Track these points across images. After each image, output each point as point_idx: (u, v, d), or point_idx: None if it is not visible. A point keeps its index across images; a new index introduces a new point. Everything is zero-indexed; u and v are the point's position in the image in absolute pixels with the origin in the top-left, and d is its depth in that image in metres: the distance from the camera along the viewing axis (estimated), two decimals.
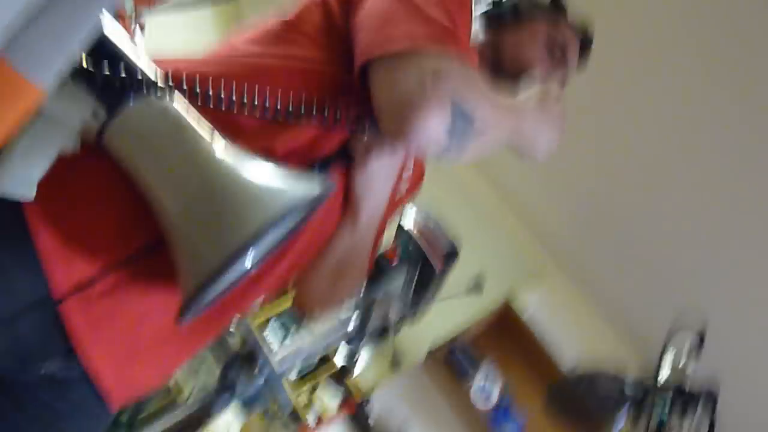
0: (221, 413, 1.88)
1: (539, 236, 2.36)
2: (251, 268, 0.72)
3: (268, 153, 0.73)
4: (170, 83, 0.65)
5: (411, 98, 0.68)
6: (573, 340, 2.07)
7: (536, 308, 2.14)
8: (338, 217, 0.89)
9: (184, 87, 0.66)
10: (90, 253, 0.68)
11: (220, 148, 0.64)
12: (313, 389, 2.48)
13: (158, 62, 0.67)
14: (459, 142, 0.72)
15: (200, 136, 0.64)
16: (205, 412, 1.86)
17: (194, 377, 1.99)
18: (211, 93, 0.66)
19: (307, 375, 2.55)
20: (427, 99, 0.68)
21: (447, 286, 1.87)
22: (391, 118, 0.71)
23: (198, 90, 0.66)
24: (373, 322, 1.89)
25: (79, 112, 0.62)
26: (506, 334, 2.12)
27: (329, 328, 1.90)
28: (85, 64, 0.61)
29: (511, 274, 2.33)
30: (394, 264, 1.75)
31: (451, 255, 1.77)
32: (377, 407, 2.01)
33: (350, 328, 1.89)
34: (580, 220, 2.23)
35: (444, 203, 1.80)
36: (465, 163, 0.79)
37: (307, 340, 1.97)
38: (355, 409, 1.99)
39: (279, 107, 0.71)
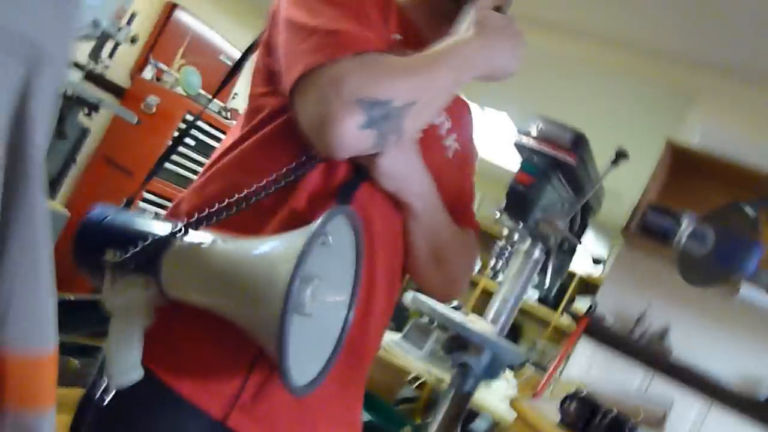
0: (476, 390, 1.99)
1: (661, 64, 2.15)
2: (348, 312, 0.78)
3: (296, 212, 0.80)
4: (182, 227, 0.74)
5: (318, 117, 0.72)
6: (757, 141, 1.85)
7: (704, 131, 1.95)
8: (399, 228, 0.91)
9: (193, 220, 0.75)
10: (226, 372, 0.80)
11: (232, 246, 0.71)
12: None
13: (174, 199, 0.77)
14: (389, 127, 0.74)
15: (220, 251, 0.72)
16: (463, 397, 1.98)
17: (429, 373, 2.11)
18: (217, 208, 0.76)
19: None
20: (331, 111, 0.71)
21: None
22: (315, 142, 0.74)
23: (207, 214, 0.76)
24: (552, 243, 1.87)
25: (137, 293, 0.74)
26: (686, 172, 1.95)
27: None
28: (115, 258, 0.73)
29: (656, 117, 2.14)
30: (531, 183, 1.72)
31: (577, 141, 1.70)
32: (608, 309, 1.97)
33: (534, 259, 1.89)
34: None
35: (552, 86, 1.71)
36: (417, 131, 0.76)
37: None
38: (587, 322, 1.97)
39: (276, 177, 0.78)
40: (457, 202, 1.03)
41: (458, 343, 1.73)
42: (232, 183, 0.81)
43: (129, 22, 2.56)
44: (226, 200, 0.76)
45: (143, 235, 0.74)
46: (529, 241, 1.91)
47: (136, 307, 0.74)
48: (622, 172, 1.97)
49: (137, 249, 0.73)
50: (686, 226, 1.94)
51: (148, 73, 3.32)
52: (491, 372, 1.89)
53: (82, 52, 2.64)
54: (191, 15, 3.54)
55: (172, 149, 1.11)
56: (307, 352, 0.72)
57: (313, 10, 0.80)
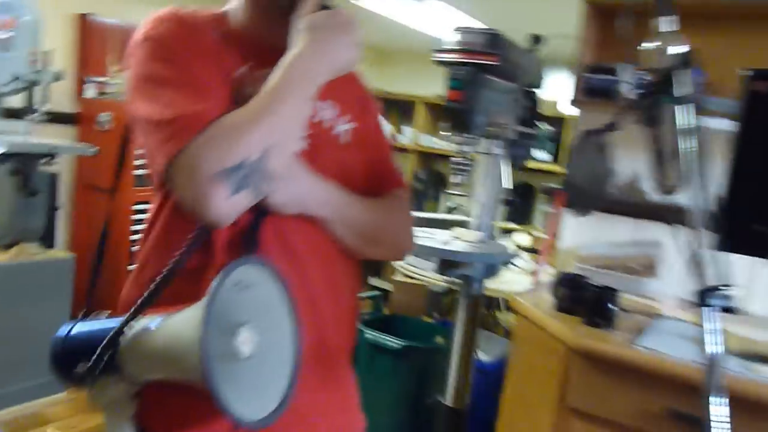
0: (482, 290, 2.11)
1: None
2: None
3: (220, 266, 0.88)
4: (123, 324, 0.84)
5: (192, 202, 0.79)
6: None
7: None
8: (321, 239, 0.97)
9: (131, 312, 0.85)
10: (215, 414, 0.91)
11: (161, 327, 0.81)
12: None
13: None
14: (257, 180, 0.80)
15: (153, 336, 0.81)
16: (474, 299, 2.10)
17: None
18: (146, 296, 0.85)
19: None
20: (199, 194, 0.78)
21: None
22: (200, 221, 0.82)
23: (142, 302, 0.85)
24: (505, 136, 1.93)
25: (113, 391, 0.85)
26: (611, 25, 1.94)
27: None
28: (83, 369, 0.84)
29: None
30: (463, 97, 1.75)
31: (493, 42, 1.72)
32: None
33: (497, 155, 1.94)
34: None
35: None
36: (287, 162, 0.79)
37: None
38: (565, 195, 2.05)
39: (188, 245, 0.86)
40: (375, 174, 1.09)
41: (448, 263, 1.84)
42: (159, 264, 0.89)
43: (47, 61, 2.56)
44: (153, 284, 0.85)
45: (99, 341, 0.84)
46: (484, 143, 1.97)
47: (117, 402, 0.86)
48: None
49: (95, 357, 0.83)
50: (624, 78, 1.97)
51: (90, 92, 3.33)
52: (489, 273, 2.01)
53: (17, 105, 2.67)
54: (105, 17, 3.47)
55: (121, 158, 1.10)
56: (262, 387, 0.81)
57: (150, 96, 0.84)
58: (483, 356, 2.66)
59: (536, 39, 1.72)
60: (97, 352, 0.83)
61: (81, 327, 0.89)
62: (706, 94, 1.92)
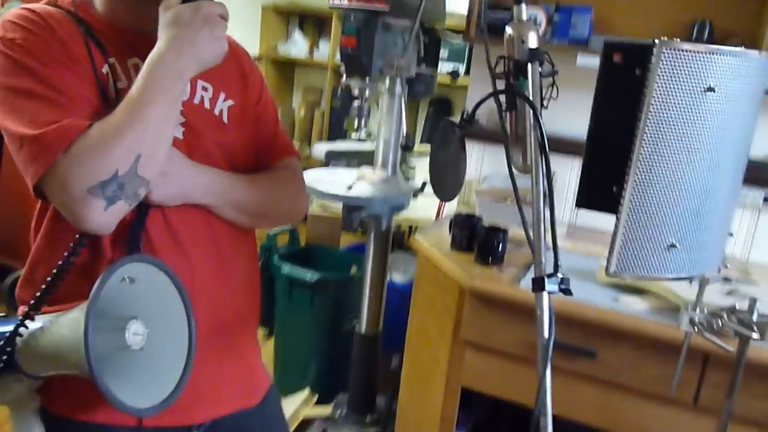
0: (390, 224, 2.19)
1: None
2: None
3: (109, 261, 0.92)
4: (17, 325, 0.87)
5: (71, 216, 0.83)
6: None
7: None
8: (209, 223, 1.01)
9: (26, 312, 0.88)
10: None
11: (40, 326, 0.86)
12: None
13: None
14: (131, 189, 0.83)
15: (45, 335, 0.85)
16: (383, 235, 2.19)
17: None
18: (39, 296, 0.88)
19: None
20: (76, 210, 0.81)
21: None
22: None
23: (35, 301, 0.88)
24: (403, 77, 1.95)
25: (16, 388, 0.89)
26: None
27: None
28: None
29: None
30: (357, 43, 1.76)
31: None
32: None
33: (397, 94, 1.97)
34: None
35: None
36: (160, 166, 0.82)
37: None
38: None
39: (73, 244, 0.88)
40: (261, 147, 1.12)
41: (350, 207, 1.91)
42: (49, 263, 0.91)
43: None
44: (44, 284, 0.88)
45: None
46: (386, 83, 2.00)
47: (21, 398, 0.91)
48: None
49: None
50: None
51: None
52: (395, 210, 2.09)
53: None
54: None
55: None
56: (157, 375, 0.86)
57: (13, 109, 0.84)
58: (399, 277, 2.80)
59: None
60: None
61: None
62: (594, 31, 1.99)
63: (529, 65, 0.87)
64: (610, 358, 1.45)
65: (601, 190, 0.95)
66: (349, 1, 1.73)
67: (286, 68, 5.70)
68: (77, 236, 0.87)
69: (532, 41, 0.90)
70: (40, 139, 0.80)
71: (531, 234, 0.85)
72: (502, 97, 0.96)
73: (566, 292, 0.79)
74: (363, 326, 2.27)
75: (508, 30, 0.93)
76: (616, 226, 0.83)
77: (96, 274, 0.81)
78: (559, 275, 0.80)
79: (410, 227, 2.94)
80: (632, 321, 1.40)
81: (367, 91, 1.89)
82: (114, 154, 0.81)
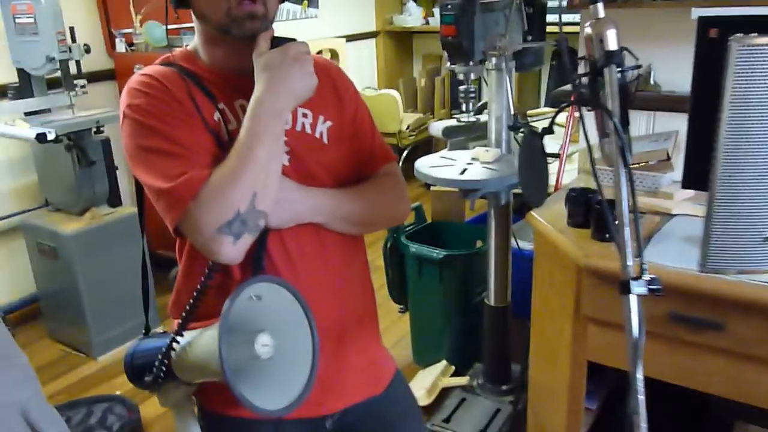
0: (509, 198, 2.21)
1: None
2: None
3: (234, 280, 1.06)
4: (169, 342, 1.04)
5: (206, 253, 0.96)
6: None
7: None
8: (320, 238, 1.12)
9: (175, 332, 1.04)
10: None
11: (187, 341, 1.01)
12: None
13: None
14: (252, 223, 0.95)
15: (190, 350, 1.01)
16: (503, 209, 2.22)
17: None
18: (185, 317, 1.04)
19: None
20: (209, 248, 0.94)
21: None
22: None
23: (182, 322, 1.04)
24: (508, 54, 1.95)
25: (174, 393, 1.07)
26: None
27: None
28: (149, 379, 1.06)
29: None
30: (457, 31, 1.78)
31: None
32: None
33: (505, 69, 1.98)
34: None
35: None
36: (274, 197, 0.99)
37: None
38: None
39: (208, 271, 1.03)
40: (362, 159, 1.20)
41: (465, 191, 1.96)
42: (191, 286, 1.06)
43: (73, 37, 2.68)
44: (186, 308, 1.04)
45: (155, 357, 1.05)
46: (493, 62, 2.01)
47: (180, 402, 1.08)
48: None
49: (155, 371, 1.04)
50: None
51: (120, 46, 3.46)
52: (512, 186, 2.12)
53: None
54: None
55: None
56: (286, 379, 0.99)
57: (145, 165, 0.99)
58: (526, 245, 2.81)
59: None
60: (155, 365, 1.04)
61: (143, 345, 1.10)
62: None
63: (606, 69, 0.87)
64: (739, 330, 1.41)
65: (706, 171, 0.93)
66: None
67: (404, 39, 5.76)
68: (210, 264, 1.01)
69: (611, 41, 0.90)
70: (171, 192, 0.94)
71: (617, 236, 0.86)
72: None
73: (656, 291, 0.81)
74: (491, 298, 2.34)
75: (587, 29, 0.94)
76: (707, 222, 0.83)
77: (229, 294, 0.93)
78: (647, 276, 0.81)
79: None
80: (762, 292, 1.35)
81: (472, 75, 1.92)
82: (234, 195, 0.93)
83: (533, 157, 0.98)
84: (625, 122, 0.92)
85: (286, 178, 1.04)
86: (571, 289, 1.65)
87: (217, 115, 1.04)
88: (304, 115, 1.12)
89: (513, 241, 2.32)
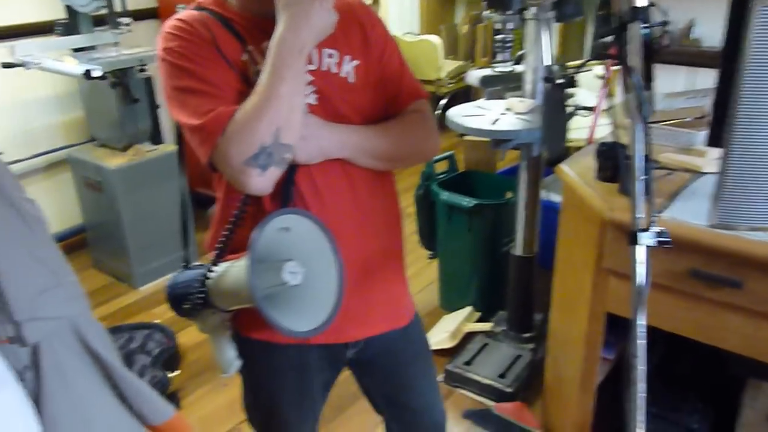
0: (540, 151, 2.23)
1: None
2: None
3: (264, 211, 1.11)
4: (206, 271, 1.11)
5: (235, 184, 1.03)
6: None
7: None
8: (348, 173, 1.16)
9: (210, 263, 1.12)
10: None
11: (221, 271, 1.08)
12: None
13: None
14: (279, 155, 1.00)
15: (224, 278, 1.08)
16: (535, 160, 2.23)
17: None
18: (220, 248, 1.11)
19: None
20: (238, 179, 1.01)
21: None
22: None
23: (218, 253, 1.12)
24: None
25: (211, 319, 1.15)
26: None
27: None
28: (187, 306, 1.14)
29: None
30: None
31: None
32: None
33: (544, 19, 1.96)
34: None
35: None
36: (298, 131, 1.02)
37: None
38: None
39: (242, 204, 1.10)
40: (391, 95, 1.23)
41: (496, 141, 1.98)
42: (227, 216, 1.14)
43: None
44: (221, 239, 1.11)
45: (193, 286, 1.13)
46: (531, 11, 2.00)
47: (216, 327, 1.16)
48: None
49: (192, 298, 1.12)
50: None
51: None
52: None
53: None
54: None
55: None
56: (313, 304, 1.06)
57: (179, 104, 1.05)
58: (555, 197, 2.82)
59: None
60: (193, 294, 1.12)
61: (182, 276, 1.18)
62: None
63: (630, 25, 0.88)
64: (756, 288, 1.43)
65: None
66: None
67: None
68: (243, 197, 1.08)
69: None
70: (202, 128, 1.01)
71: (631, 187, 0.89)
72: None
73: (665, 243, 0.84)
74: (518, 248, 2.38)
75: None
76: (720, 177, 0.85)
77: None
78: (655, 228, 0.85)
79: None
80: None
81: (510, 24, 1.91)
82: (258, 130, 0.99)
83: (554, 110, 1.00)
84: (648, 78, 0.93)
85: (313, 116, 1.09)
86: (594, 242, 1.68)
87: (245, 56, 1.09)
88: (330, 56, 1.15)
89: (543, 193, 2.34)
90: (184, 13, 1.12)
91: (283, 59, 1.00)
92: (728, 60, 0.88)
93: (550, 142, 1.08)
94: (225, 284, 1.09)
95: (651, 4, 0.90)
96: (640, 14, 0.88)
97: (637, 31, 0.88)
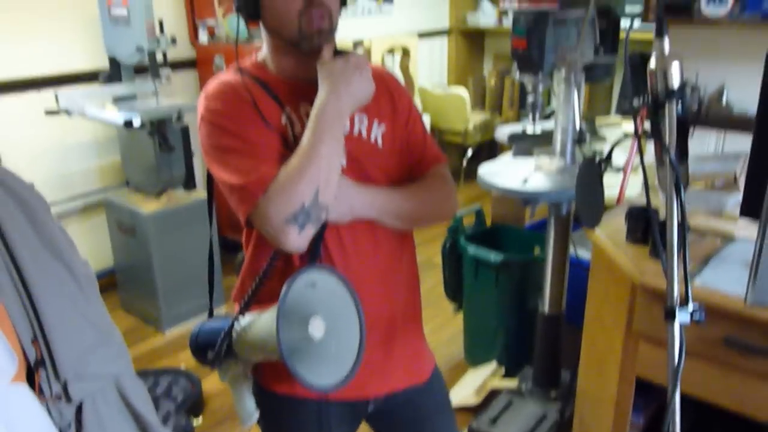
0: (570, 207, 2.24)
1: None
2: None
3: (293, 267, 1.14)
4: (232, 323, 1.13)
5: (273, 241, 1.05)
6: None
7: None
8: (373, 233, 1.20)
9: (238, 313, 1.14)
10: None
11: (255, 323, 1.10)
12: None
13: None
14: (316, 215, 1.03)
15: (251, 331, 1.10)
16: (563, 219, 2.24)
17: None
18: (247, 300, 1.14)
19: None
20: (277, 237, 1.03)
21: None
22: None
23: (245, 304, 1.14)
24: (579, 66, 1.96)
25: (234, 369, 1.17)
26: None
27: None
28: (211, 356, 1.16)
29: None
30: (527, 44, 1.81)
31: None
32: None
33: (575, 83, 2.00)
34: None
35: None
36: (333, 194, 1.07)
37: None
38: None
39: (271, 259, 1.13)
40: (414, 160, 1.28)
41: (526, 200, 2.00)
42: (256, 270, 1.17)
43: (162, 29, 2.84)
44: (249, 291, 1.14)
45: (218, 336, 1.15)
46: (562, 74, 2.04)
47: (238, 377, 1.18)
48: None
49: (217, 348, 1.14)
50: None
51: (203, 36, 3.62)
52: (573, 198, 2.13)
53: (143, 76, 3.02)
54: None
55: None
56: (336, 360, 1.06)
57: (221, 163, 1.09)
58: (584, 253, 2.81)
59: None
60: (218, 344, 1.14)
61: (207, 325, 1.21)
62: None
63: (667, 105, 0.91)
64: None
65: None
66: (519, 3, 1.79)
67: (476, 38, 5.76)
68: (273, 252, 1.11)
69: (675, 77, 0.93)
70: (244, 187, 1.05)
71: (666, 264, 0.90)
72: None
73: (698, 322, 0.85)
74: (545, 306, 2.37)
75: (651, 63, 0.97)
76: (756, 254, 0.86)
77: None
78: (691, 305, 0.85)
79: None
80: None
81: (541, 86, 1.95)
82: (299, 190, 1.02)
83: (590, 183, 1.02)
84: (683, 153, 0.95)
85: (344, 177, 1.13)
86: (624, 305, 1.67)
87: (284, 119, 1.13)
88: (360, 121, 1.20)
89: (572, 250, 2.34)
90: (225, 75, 1.17)
91: (324, 123, 1.05)
92: (763, 128, 0.89)
93: (587, 216, 1.09)
94: (251, 336, 1.11)
95: (685, 84, 0.93)
96: (676, 95, 0.90)
97: (673, 111, 0.90)
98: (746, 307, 1.38)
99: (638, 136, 0.96)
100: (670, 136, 0.90)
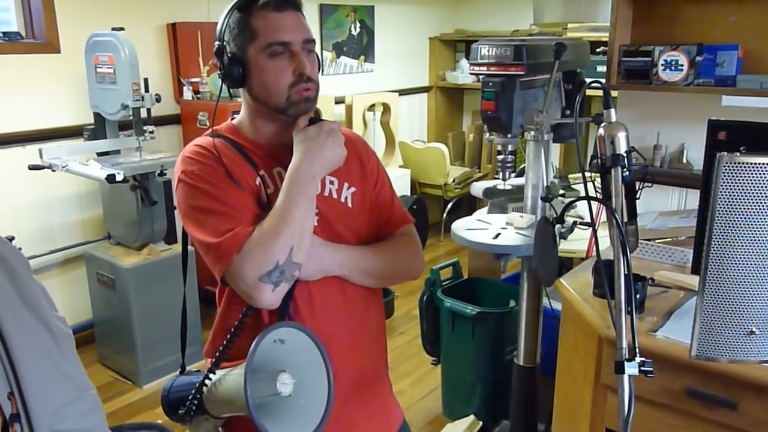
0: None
1: None
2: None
3: (263, 323, 1.17)
4: (202, 380, 1.16)
5: (247, 298, 1.10)
6: None
7: None
8: (342, 289, 1.24)
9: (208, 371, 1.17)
10: None
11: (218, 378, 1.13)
12: None
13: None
14: (289, 273, 1.08)
15: (220, 387, 1.13)
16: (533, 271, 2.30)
17: None
18: (218, 357, 1.17)
19: None
20: (250, 294, 1.08)
21: None
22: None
23: (215, 361, 1.17)
24: (546, 128, 2.06)
25: (204, 425, 1.19)
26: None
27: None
28: (182, 413, 1.18)
29: None
30: (496, 107, 1.90)
31: (518, 53, 1.84)
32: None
33: (544, 141, 2.09)
34: None
35: None
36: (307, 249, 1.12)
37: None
38: None
39: (242, 316, 1.17)
40: (382, 220, 1.34)
41: (497, 255, 2.05)
42: (226, 328, 1.20)
43: (147, 87, 2.93)
44: (220, 348, 1.17)
45: (189, 392, 1.18)
46: (530, 134, 2.12)
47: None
48: None
49: (188, 404, 1.17)
50: (659, 58, 2.03)
51: (187, 93, 3.72)
52: None
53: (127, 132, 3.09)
54: (192, 19, 3.80)
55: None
56: (304, 415, 1.09)
57: (197, 222, 1.13)
58: (558, 305, 2.86)
59: (559, 48, 1.82)
60: (188, 400, 1.17)
61: (178, 382, 1.24)
62: (743, 70, 1.95)
63: (613, 170, 0.98)
64: (752, 410, 1.45)
65: None
66: (488, 68, 1.89)
67: (455, 94, 5.93)
68: (244, 309, 1.15)
69: (621, 144, 1.00)
70: (219, 245, 1.09)
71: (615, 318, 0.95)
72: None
73: (647, 373, 0.90)
74: (521, 358, 2.40)
75: (600, 130, 1.05)
76: (696, 313, 0.91)
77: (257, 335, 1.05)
78: (639, 358, 0.90)
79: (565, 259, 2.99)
80: None
81: (510, 146, 2.03)
82: (274, 249, 1.07)
83: (545, 243, 1.08)
84: (631, 215, 1.02)
85: (316, 236, 1.18)
86: (592, 357, 1.72)
87: (258, 180, 1.19)
88: (331, 182, 1.26)
89: (546, 301, 2.39)
90: (202, 139, 1.23)
91: (298, 186, 1.11)
92: (708, 188, 0.96)
93: (543, 272, 1.15)
94: (221, 392, 1.14)
95: (631, 150, 1.00)
96: (621, 161, 0.97)
97: (618, 175, 0.97)
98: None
99: (588, 198, 1.03)
100: (616, 198, 0.97)
